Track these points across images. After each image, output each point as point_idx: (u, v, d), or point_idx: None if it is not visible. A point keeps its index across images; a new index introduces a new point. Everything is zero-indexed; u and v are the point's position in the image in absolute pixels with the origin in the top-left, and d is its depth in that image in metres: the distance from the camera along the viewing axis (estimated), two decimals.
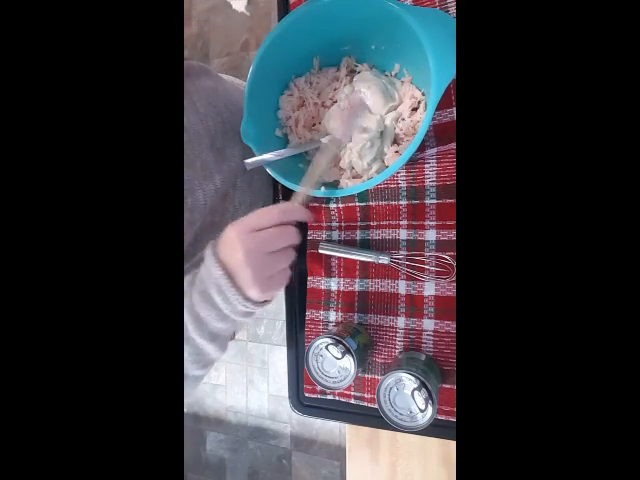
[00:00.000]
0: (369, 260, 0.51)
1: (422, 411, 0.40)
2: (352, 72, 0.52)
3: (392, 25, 0.44)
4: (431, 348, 0.48)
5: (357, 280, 0.52)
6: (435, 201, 0.48)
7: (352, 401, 0.52)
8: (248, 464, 1.59)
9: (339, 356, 0.45)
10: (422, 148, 0.48)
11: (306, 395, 0.55)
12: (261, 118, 0.50)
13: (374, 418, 0.50)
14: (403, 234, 0.50)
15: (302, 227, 0.55)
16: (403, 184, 0.49)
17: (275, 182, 0.49)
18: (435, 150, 0.48)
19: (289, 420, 1.50)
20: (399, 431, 0.42)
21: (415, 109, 0.48)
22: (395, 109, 0.49)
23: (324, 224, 0.54)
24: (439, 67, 0.39)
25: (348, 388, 0.52)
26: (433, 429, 0.41)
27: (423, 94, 0.47)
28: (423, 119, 0.41)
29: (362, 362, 0.46)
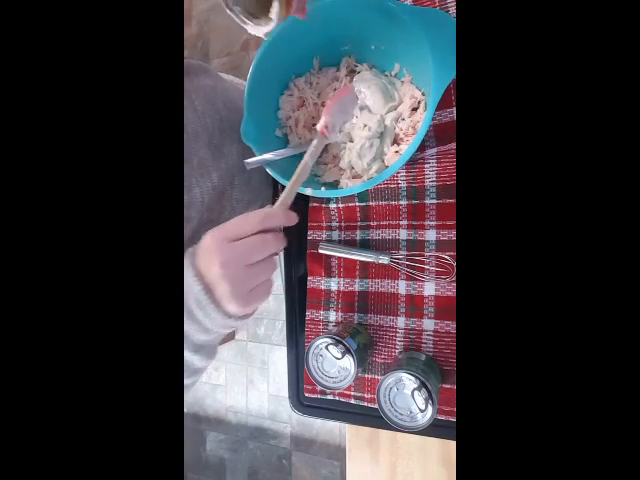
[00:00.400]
0: (369, 260, 0.51)
1: (422, 411, 0.40)
2: (352, 72, 0.52)
3: (392, 25, 0.44)
4: (431, 348, 0.48)
5: (357, 280, 0.52)
6: (435, 201, 0.48)
7: (352, 401, 0.52)
8: (248, 464, 1.59)
9: (339, 356, 0.45)
10: (422, 148, 0.48)
11: (306, 395, 0.55)
12: (261, 118, 0.50)
13: (374, 418, 0.50)
14: (403, 234, 0.50)
15: (302, 227, 0.55)
16: (403, 184, 0.49)
17: (275, 181, 0.49)
18: (435, 150, 0.48)
19: (289, 420, 1.50)
20: (399, 431, 0.42)
21: (415, 109, 0.48)
22: (395, 109, 0.49)
23: (324, 224, 0.54)
24: (439, 67, 0.39)
25: (348, 388, 0.52)
26: (433, 429, 0.41)
27: (423, 94, 0.47)
28: (423, 119, 0.41)
29: (362, 362, 0.46)
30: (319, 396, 0.54)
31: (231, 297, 0.35)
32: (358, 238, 0.53)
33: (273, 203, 0.40)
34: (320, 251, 0.53)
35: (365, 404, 0.52)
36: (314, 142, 0.45)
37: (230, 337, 1.58)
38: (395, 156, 0.47)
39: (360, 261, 0.52)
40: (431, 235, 0.48)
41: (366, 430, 0.56)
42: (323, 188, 0.48)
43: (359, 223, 0.53)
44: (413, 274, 0.49)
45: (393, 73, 0.50)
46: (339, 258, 0.53)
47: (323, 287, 0.54)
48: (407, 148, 0.40)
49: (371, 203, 0.51)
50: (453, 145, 0.47)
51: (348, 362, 0.45)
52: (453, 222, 0.47)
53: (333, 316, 0.54)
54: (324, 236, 0.54)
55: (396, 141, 0.49)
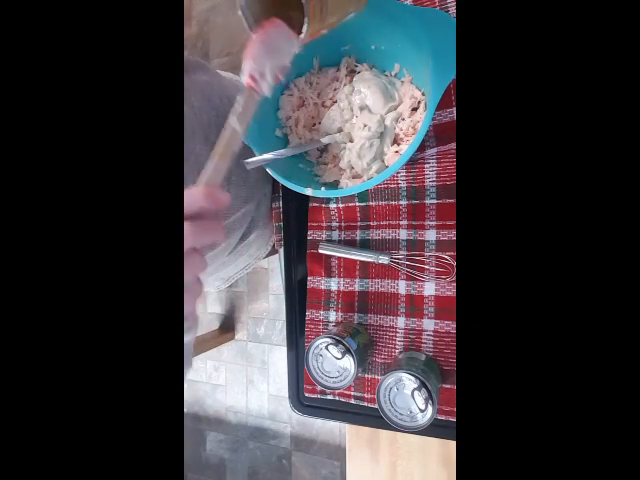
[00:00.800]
0: (369, 260, 0.51)
1: (422, 411, 0.40)
2: (352, 72, 0.52)
3: (392, 25, 0.44)
4: (431, 348, 0.48)
5: (357, 280, 0.52)
6: (435, 201, 0.48)
7: (352, 401, 0.52)
8: (248, 464, 1.59)
9: (339, 356, 0.45)
10: (422, 148, 0.49)
11: (306, 395, 0.55)
12: (261, 118, 0.50)
13: (374, 418, 0.50)
14: (403, 234, 0.50)
15: (302, 227, 0.55)
16: (403, 184, 0.49)
17: (273, 178, 0.49)
18: (435, 150, 0.48)
19: (289, 420, 1.50)
20: (399, 431, 0.42)
21: (415, 109, 0.48)
22: (395, 109, 0.48)
23: (324, 224, 0.54)
24: (439, 67, 0.39)
25: (348, 388, 0.52)
26: (433, 429, 0.41)
27: (423, 94, 0.47)
28: (423, 119, 0.41)
29: (362, 362, 0.46)
30: (319, 396, 0.54)
31: None
32: (358, 238, 0.53)
33: (272, 201, 0.38)
34: (320, 251, 0.53)
35: (365, 404, 0.52)
36: (238, 98, 0.34)
37: (230, 337, 1.58)
38: (395, 156, 0.47)
39: (360, 261, 0.52)
40: (431, 235, 0.48)
41: (366, 430, 0.56)
42: (323, 188, 0.48)
43: (359, 223, 0.53)
44: (413, 274, 0.49)
45: (393, 73, 0.50)
46: (339, 258, 0.53)
47: (323, 287, 0.54)
48: (407, 148, 0.40)
49: (371, 203, 0.51)
50: (453, 145, 0.47)
51: (348, 362, 0.45)
52: (453, 222, 0.47)
53: (333, 316, 0.54)
54: (324, 236, 0.54)
55: (396, 141, 0.49)
